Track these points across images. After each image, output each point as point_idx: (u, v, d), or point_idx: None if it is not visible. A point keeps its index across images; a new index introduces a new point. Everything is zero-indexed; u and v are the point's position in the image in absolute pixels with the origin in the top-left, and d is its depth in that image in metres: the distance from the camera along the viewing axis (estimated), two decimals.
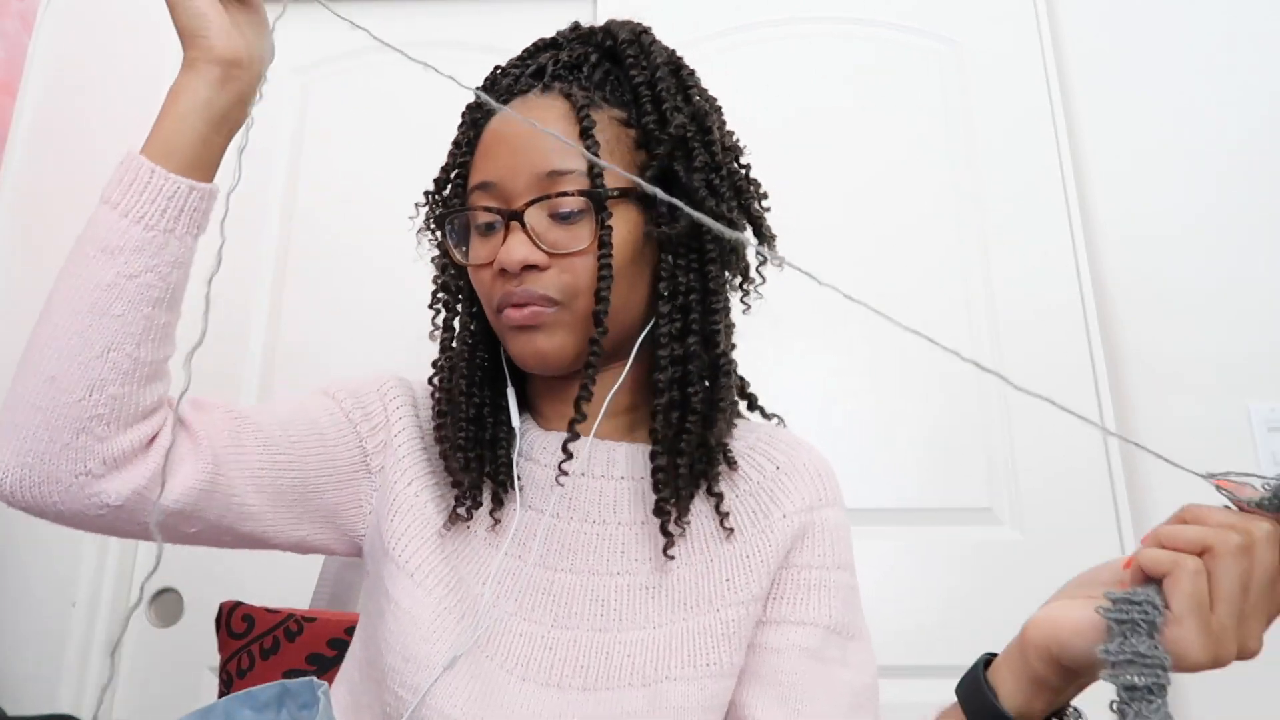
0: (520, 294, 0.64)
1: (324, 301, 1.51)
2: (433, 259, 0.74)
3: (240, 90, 0.63)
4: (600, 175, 0.64)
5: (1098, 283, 1.43)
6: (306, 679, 0.45)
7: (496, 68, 0.74)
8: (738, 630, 0.66)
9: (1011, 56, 1.55)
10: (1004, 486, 1.36)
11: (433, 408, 0.71)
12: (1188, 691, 1.25)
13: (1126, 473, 1.34)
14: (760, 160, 1.64)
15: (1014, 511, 1.35)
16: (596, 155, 0.63)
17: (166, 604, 1.40)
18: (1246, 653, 0.42)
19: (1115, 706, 0.39)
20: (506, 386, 0.72)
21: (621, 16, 0.75)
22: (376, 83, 1.62)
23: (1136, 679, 0.38)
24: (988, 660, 0.52)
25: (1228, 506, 0.43)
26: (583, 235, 0.64)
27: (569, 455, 0.66)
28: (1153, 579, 0.42)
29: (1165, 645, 0.40)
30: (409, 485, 0.70)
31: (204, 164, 0.63)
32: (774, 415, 0.80)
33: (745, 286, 0.76)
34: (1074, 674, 0.46)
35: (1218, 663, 0.41)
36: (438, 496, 0.71)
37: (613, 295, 0.64)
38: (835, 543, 0.71)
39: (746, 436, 0.75)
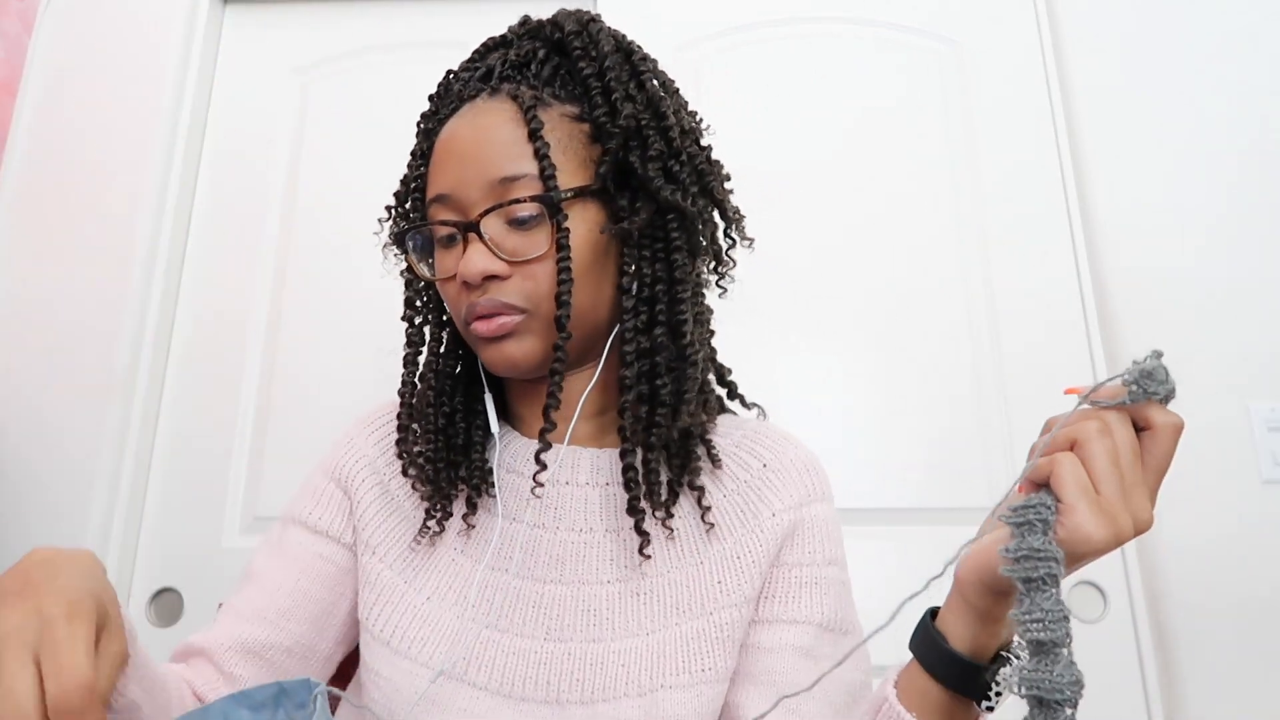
0: (485, 304, 0.63)
1: (324, 303, 1.51)
2: (401, 272, 0.73)
3: None
4: (553, 178, 0.62)
5: (1098, 283, 1.43)
6: (303, 678, 0.45)
7: (449, 72, 0.73)
8: (731, 634, 0.65)
9: (1012, 57, 1.55)
10: (1004, 486, 1.36)
11: (401, 425, 0.70)
12: (1186, 691, 1.25)
13: None
14: (759, 160, 1.63)
15: None
16: (545, 155, 0.62)
17: (166, 604, 1.40)
18: (1141, 525, 0.45)
19: (1016, 597, 0.43)
20: (484, 393, 0.71)
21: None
22: (377, 83, 1.62)
23: (1031, 571, 0.42)
24: (934, 613, 0.54)
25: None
26: (540, 240, 0.63)
27: (543, 466, 0.64)
28: (1043, 485, 0.46)
29: (1064, 535, 0.44)
30: (373, 555, 0.70)
31: None
32: (754, 405, 0.79)
33: (720, 270, 0.74)
34: (1008, 595, 0.48)
35: (1119, 538, 0.44)
36: (403, 538, 0.70)
37: (577, 297, 0.63)
38: (826, 539, 0.70)
39: (732, 433, 0.73)
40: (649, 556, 0.66)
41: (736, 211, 0.73)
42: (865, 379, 1.42)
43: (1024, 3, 1.58)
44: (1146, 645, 1.27)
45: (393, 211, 0.72)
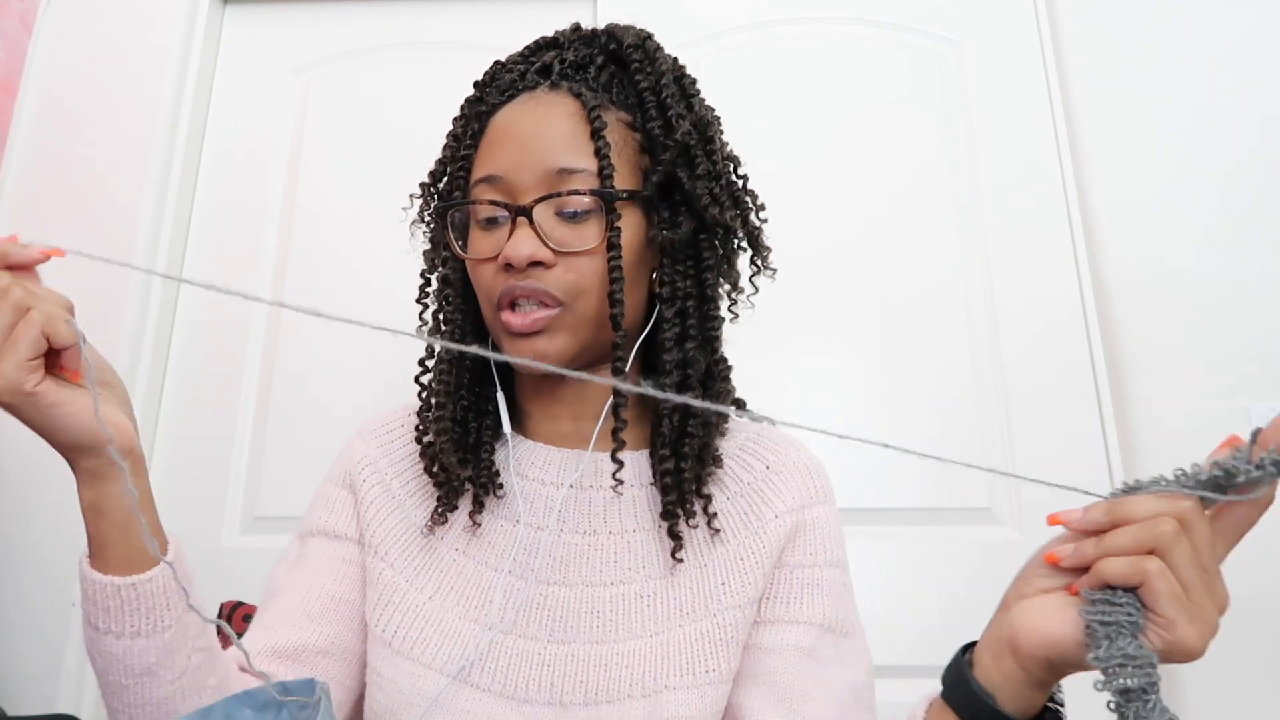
0: (525, 288, 0.63)
1: (324, 303, 1.50)
2: (424, 252, 0.73)
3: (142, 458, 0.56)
4: (611, 176, 0.63)
5: (1098, 283, 1.43)
6: (307, 678, 0.45)
7: (496, 62, 0.73)
8: (735, 635, 0.66)
9: (1012, 57, 1.55)
10: (1004, 486, 1.36)
11: (421, 410, 0.71)
12: (1186, 691, 1.25)
13: (1127, 472, 1.34)
14: (759, 160, 1.64)
15: (1014, 511, 1.35)
16: (606, 155, 0.63)
17: None
18: (1223, 610, 0.44)
19: (1113, 706, 0.39)
20: (496, 391, 0.71)
21: (622, 18, 0.75)
22: (377, 83, 1.62)
23: (1130, 681, 0.39)
24: (968, 653, 0.52)
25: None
26: (589, 235, 0.64)
27: (620, 464, 0.66)
28: (1116, 586, 0.43)
29: (1163, 647, 0.41)
30: (375, 555, 0.70)
31: (158, 535, 0.56)
32: (765, 418, 0.80)
33: (733, 295, 0.75)
34: (1064, 671, 0.47)
35: (1211, 638, 0.43)
36: (405, 538, 0.71)
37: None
38: (827, 540, 0.70)
39: (736, 436, 0.74)
40: (681, 560, 0.67)
41: (767, 244, 0.75)
42: (865, 379, 1.42)
43: (1024, 3, 1.58)
44: None
45: (427, 189, 0.72)
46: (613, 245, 0.63)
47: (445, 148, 0.71)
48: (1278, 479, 0.41)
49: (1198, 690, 1.24)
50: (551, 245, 0.63)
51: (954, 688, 0.51)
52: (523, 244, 0.62)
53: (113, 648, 0.53)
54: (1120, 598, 0.42)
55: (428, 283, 0.73)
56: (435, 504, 0.69)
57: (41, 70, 1.59)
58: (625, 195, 0.65)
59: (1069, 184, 1.47)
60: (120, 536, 0.53)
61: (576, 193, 0.63)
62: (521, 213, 0.63)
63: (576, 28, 0.73)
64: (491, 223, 0.66)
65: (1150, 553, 0.43)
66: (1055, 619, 0.46)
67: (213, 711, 0.45)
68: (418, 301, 0.73)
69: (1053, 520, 0.48)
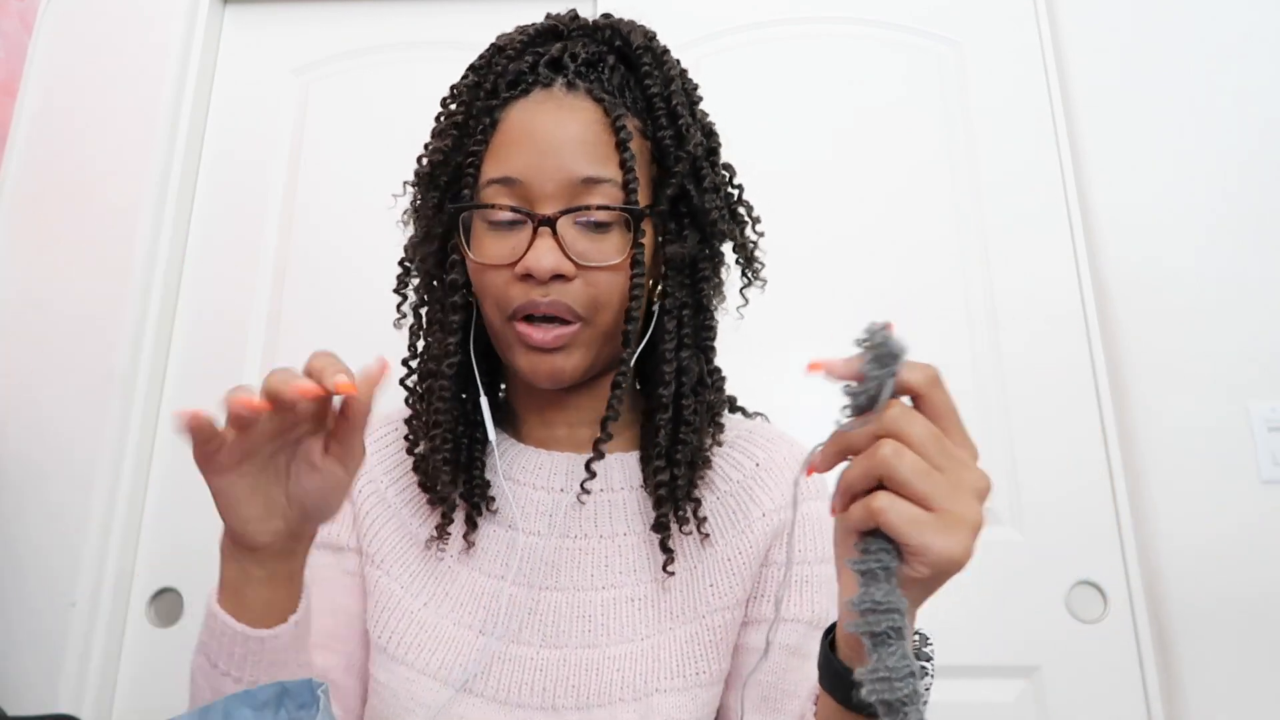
0: (548, 305, 0.61)
1: (324, 303, 1.51)
2: (411, 242, 0.70)
3: (303, 551, 0.55)
4: (635, 190, 0.61)
5: (1098, 283, 1.42)
6: (305, 678, 0.45)
7: (494, 46, 0.69)
8: (725, 637, 0.66)
9: (1012, 57, 1.55)
10: (1004, 487, 1.36)
11: (410, 419, 0.69)
12: (1186, 691, 1.25)
13: (1127, 472, 1.34)
14: (759, 160, 1.63)
15: (1014, 511, 1.34)
16: (632, 168, 0.62)
17: (166, 604, 1.40)
18: (983, 496, 0.42)
19: (868, 649, 0.39)
20: (480, 397, 0.69)
21: (621, 14, 0.74)
22: (377, 82, 1.62)
23: (874, 626, 0.38)
24: (831, 638, 0.51)
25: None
26: (610, 249, 0.62)
27: (592, 474, 0.65)
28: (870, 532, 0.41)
29: (931, 572, 0.40)
30: (372, 564, 0.70)
31: (297, 585, 0.56)
32: (757, 414, 0.80)
33: (717, 302, 0.74)
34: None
35: (976, 531, 0.41)
36: (399, 546, 0.70)
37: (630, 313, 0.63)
38: (817, 536, 0.69)
39: (726, 434, 0.73)
40: (672, 573, 0.66)
41: (759, 259, 0.74)
42: None
43: (1024, 3, 1.58)
44: (1146, 645, 1.27)
45: (425, 179, 0.69)
46: (637, 262, 0.62)
47: (445, 135, 0.66)
48: (889, 375, 0.42)
49: (1198, 690, 1.24)
50: (573, 258, 0.61)
51: (825, 672, 0.51)
52: (545, 256, 0.60)
53: (225, 688, 0.52)
54: (874, 544, 0.40)
55: (407, 272, 0.71)
56: (433, 519, 0.69)
57: (41, 70, 1.59)
58: (648, 211, 0.63)
59: (1069, 184, 1.47)
60: (261, 588, 0.52)
61: (606, 207, 0.61)
62: (545, 223, 0.61)
63: (575, 16, 0.70)
64: (506, 226, 0.63)
65: (880, 481, 0.40)
66: (851, 582, 0.45)
67: (212, 710, 0.45)
68: (396, 291, 0.70)
69: (809, 470, 0.45)
